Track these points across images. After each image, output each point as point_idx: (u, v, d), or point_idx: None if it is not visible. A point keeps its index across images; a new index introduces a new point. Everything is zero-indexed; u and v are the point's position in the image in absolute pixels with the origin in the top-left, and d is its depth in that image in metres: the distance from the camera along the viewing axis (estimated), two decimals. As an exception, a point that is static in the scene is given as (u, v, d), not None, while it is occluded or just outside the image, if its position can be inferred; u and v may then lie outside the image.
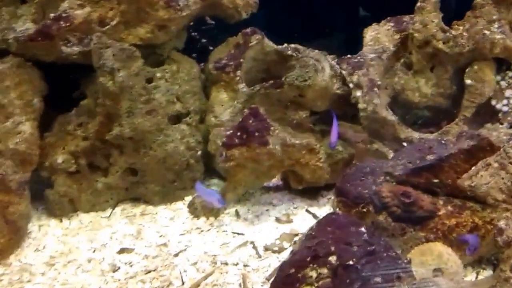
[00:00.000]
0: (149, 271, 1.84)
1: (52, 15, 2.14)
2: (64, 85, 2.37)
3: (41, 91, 2.27)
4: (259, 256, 1.93)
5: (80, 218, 2.30)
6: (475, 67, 2.33)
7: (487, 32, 2.26)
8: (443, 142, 1.87)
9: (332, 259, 1.37)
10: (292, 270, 1.39)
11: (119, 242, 2.06)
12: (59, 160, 2.26)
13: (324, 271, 1.36)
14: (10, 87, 2.17)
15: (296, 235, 2.05)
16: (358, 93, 2.40)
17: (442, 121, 2.52)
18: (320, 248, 1.41)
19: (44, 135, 2.29)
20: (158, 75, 2.35)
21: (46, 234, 2.16)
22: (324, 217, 1.60)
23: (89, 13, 2.17)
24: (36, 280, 1.83)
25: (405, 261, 1.46)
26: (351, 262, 1.36)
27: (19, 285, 1.81)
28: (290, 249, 1.94)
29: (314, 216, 2.25)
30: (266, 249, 1.97)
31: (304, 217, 2.26)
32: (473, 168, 1.72)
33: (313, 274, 1.36)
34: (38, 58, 2.24)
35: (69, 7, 2.13)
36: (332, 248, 1.40)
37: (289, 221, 2.22)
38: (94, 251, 2.01)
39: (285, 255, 1.90)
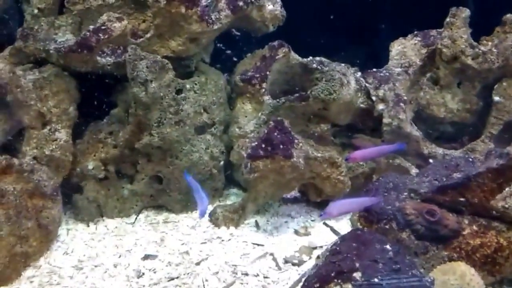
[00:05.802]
0: (172, 278, 1.87)
1: (91, 27, 2.22)
2: (94, 93, 2.44)
3: (76, 100, 2.36)
4: (279, 268, 1.94)
5: (106, 223, 2.36)
6: (504, 83, 2.33)
7: (517, 48, 2.25)
8: (470, 160, 1.85)
9: (357, 275, 1.39)
10: (317, 285, 1.41)
11: (143, 249, 2.10)
12: (90, 166, 2.34)
13: (349, 286, 1.37)
14: (48, 96, 2.28)
15: (315, 248, 2.06)
16: (382, 107, 2.41)
17: (464, 137, 2.51)
18: (344, 263, 1.42)
19: (76, 142, 2.37)
20: (188, 86, 2.41)
21: (74, 238, 2.22)
22: (348, 233, 1.61)
23: (126, 26, 2.24)
24: (64, 283, 1.87)
25: (429, 280, 1.45)
26: (376, 280, 1.37)
27: (49, 287, 1.85)
28: (309, 262, 1.95)
29: (332, 229, 2.26)
30: (286, 261, 1.98)
31: (321, 230, 2.27)
32: (507, 189, 1.70)
33: (337, 289, 1.37)
34: (74, 68, 2.32)
35: (107, 19, 2.19)
36: (357, 265, 1.41)
37: (307, 233, 2.23)
38: (119, 256, 2.05)
39: (304, 268, 1.91)
